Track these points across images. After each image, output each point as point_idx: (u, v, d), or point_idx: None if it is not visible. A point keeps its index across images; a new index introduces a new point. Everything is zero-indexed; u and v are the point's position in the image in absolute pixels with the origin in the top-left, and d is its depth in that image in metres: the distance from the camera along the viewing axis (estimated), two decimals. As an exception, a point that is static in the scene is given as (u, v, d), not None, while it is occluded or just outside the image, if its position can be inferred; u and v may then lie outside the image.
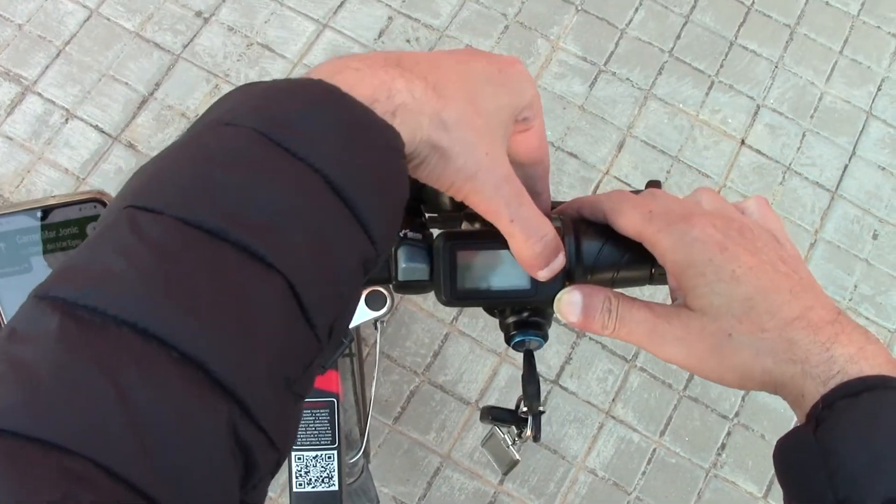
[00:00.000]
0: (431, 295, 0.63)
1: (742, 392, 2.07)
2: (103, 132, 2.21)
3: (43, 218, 0.54)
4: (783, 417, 2.05)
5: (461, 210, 0.65)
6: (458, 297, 0.61)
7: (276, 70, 2.30)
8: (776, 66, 2.44)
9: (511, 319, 0.66)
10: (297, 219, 0.39)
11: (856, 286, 2.21)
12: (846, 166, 2.34)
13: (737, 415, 2.06)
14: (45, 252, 0.55)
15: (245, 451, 0.36)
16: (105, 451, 0.32)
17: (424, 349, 2.06)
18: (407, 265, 0.60)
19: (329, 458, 1.18)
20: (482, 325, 2.05)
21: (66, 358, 0.33)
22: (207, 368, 0.35)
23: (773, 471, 1.78)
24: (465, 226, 0.67)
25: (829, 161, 2.34)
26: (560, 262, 0.56)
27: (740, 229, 0.54)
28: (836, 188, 2.31)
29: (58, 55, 2.28)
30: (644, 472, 2.01)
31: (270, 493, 1.91)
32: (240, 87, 0.45)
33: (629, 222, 0.56)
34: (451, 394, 2.04)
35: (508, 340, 0.66)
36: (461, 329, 2.08)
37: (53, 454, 0.31)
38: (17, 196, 2.13)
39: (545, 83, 2.35)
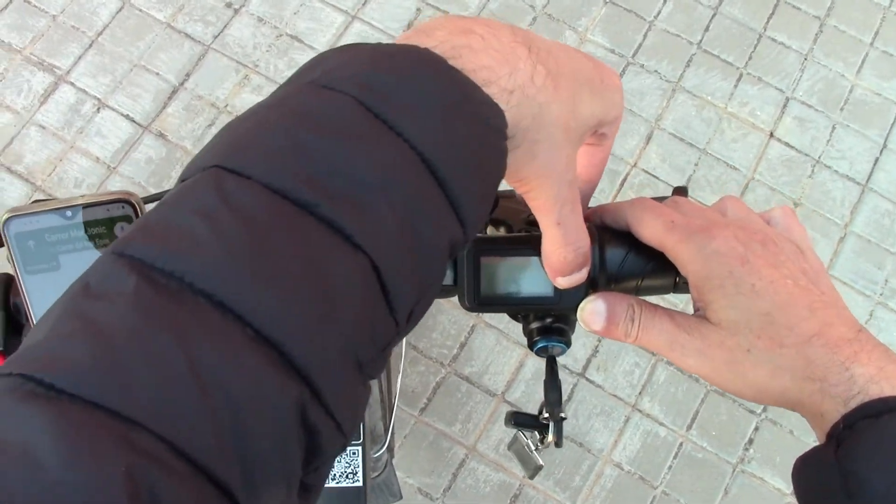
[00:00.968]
0: None
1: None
2: (134, 122, 2.23)
3: (72, 217, 0.55)
4: (810, 412, 2.03)
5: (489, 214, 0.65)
6: (481, 302, 0.61)
7: (305, 60, 2.28)
8: (805, 59, 2.42)
9: (534, 325, 0.66)
10: (387, 196, 0.38)
11: (886, 280, 2.19)
12: (877, 159, 2.32)
13: (764, 410, 2.05)
14: (73, 250, 0.56)
15: (311, 434, 0.36)
16: (173, 426, 0.31)
17: (451, 340, 2.07)
18: None
19: (354, 453, 1.18)
20: (508, 317, 2.03)
21: (139, 323, 0.33)
22: (283, 350, 0.34)
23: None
24: (490, 231, 0.67)
25: (859, 154, 2.32)
26: (582, 276, 0.56)
27: (763, 241, 0.53)
28: (867, 181, 2.29)
29: (90, 45, 2.30)
30: (670, 467, 2.00)
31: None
32: (342, 46, 0.44)
33: (651, 232, 0.56)
34: (477, 385, 2.04)
35: (531, 346, 0.67)
36: (488, 321, 2.08)
37: (119, 425, 0.30)
38: (49, 184, 2.15)
39: (573, 75, 2.34)
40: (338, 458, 1.18)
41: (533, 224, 0.64)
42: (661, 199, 0.61)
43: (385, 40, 2.25)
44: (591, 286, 0.60)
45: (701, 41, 2.41)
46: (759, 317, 0.50)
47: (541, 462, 0.82)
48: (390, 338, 0.40)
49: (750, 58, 2.40)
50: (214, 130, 2.22)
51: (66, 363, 0.32)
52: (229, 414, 0.32)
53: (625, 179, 2.24)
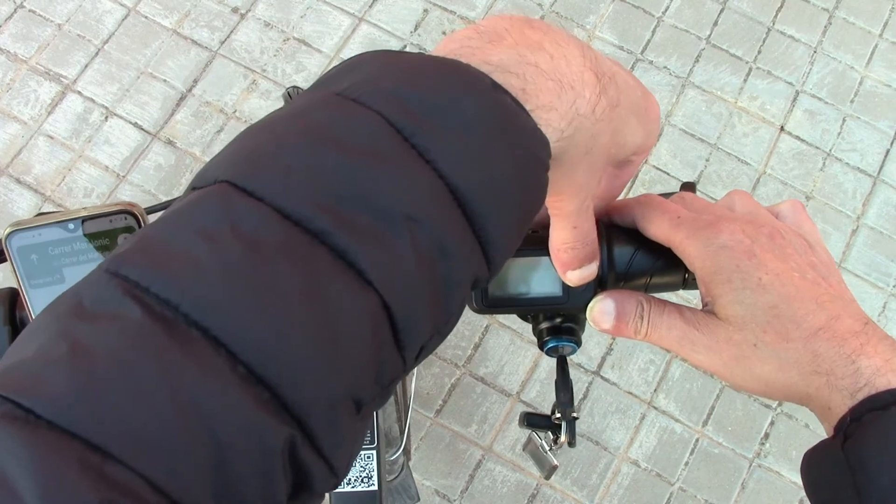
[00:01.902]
0: None
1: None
2: (142, 129, 2.23)
3: (75, 230, 0.55)
4: (827, 406, 2.03)
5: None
6: (489, 304, 0.60)
7: (312, 65, 2.30)
8: (815, 51, 2.41)
9: (544, 325, 0.66)
10: (410, 230, 0.35)
11: (899, 273, 2.19)
12: (888, 151, 2.31)
13: (780, 404, 2.05)
14: (77, 263, 0.55)
15: (300, 473, 0.34)
16: (151, 461, 0.30)
17: (465, 341, 2.06)
18: None
19: (368, 457, 1.18)
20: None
21: (127, 352, 0.31)
22: (276, 391, 0.32)
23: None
24: None
25: (870, 146, 2.31)
26: (592, 270, 0.55)
27: (770, 234, 0.53)
28: (878, 173, 2.29)
29: (97, 54, 2.30)
30: (687, 463, 2.00)
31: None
32: (378, 53, 0.41)
33: (658, 229, 0.56)
34: (492, 386, 2.04)
35: (542, 346, 0.66)
36: (501, 321, 2.08)
37: (95, 457, 0.29)
38: (58, 194, 2.15)
39: (581, 73, 2.33)
40: (353, 463, 1.17)
41: (541, 224, 0.64)
42: (668, 195, 0.60)
43: (393, 42, 2.25)
44: (599, 285, 0.59)
45: (710, 36, 2.41)
46: (765, 311, 0.50)
47: (555, 462, 0.82)
48: (395, 375, 0.38)
49: (759, 52, 2.40)
50: (223, 136, 2.22)
51: (48, 388, 0.31)
52: (211, 452, 0.31)
53: (636, 176, 2.23)
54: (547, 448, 0.81)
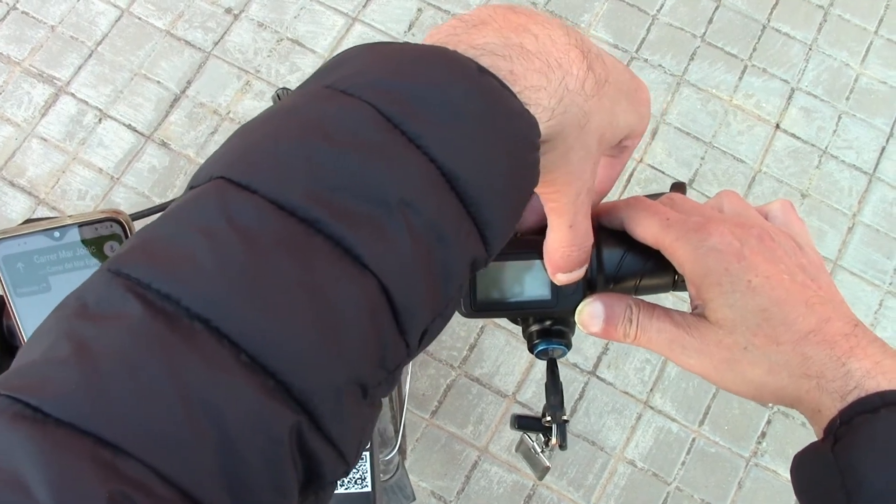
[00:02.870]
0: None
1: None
2: (136, 131, 2.22)
3: (60, 238, 0.54)
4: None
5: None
6: (478, 308, 0.60)
7: (306, 65, 2.30)
8: (810, 49, 2.41)
9: (534, 328, 0.65)
10: (405, 215, 0.36)
11: (895, 270, 2.18)
12: (883, 148, 2.31)
13: (776, 403, 2.04)
14: (63, 271, 0.55)
15: (310, 461, 0.35)
16: (160, 453, 0.31)
17: (460, 342, 2.06)
18: None
19: (361, 459, 1.18)
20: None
21: (132, 348, 0.32)
22: (279, 378, 0.33)
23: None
24: None
25: (865, 143, 2.31)
26: (580, 273, 0.55)
27: (760, 236, 0.52)
28: (874, 171, 2.28)
29: (90, 55, 2.30)
30: (683, 463, 2.00)
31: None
32: (366, 46, 0.42)
33: (646, 231, 0.56)
34: (487, 387, 2.03)
35: (531, 349, 0.66)
36: (497, 322, 2.08)
37: (105, 451, 0.30)
38: (52, 196, 2.15)
39: (576, 72, 2.33)
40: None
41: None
42: (656, 196, 0.60)
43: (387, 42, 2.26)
44: (588, 287, 0.59)
45: (705, 34, 2.40)
46: (755, 314, 0.50)
47: (547, 463, 0.82)
48: (400, 360, 0.38)
49: (754, 49, 2.39)
50: (217, 137, 2.21)
51: (55, 387, 0.31)
52: (219, 441, 0.32)
53: (631, 175, 2.23)
54: (538, 450, 0.81)
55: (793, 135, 2.31)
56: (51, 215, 2.04)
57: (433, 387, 2.03)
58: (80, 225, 0.55)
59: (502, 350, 2.05)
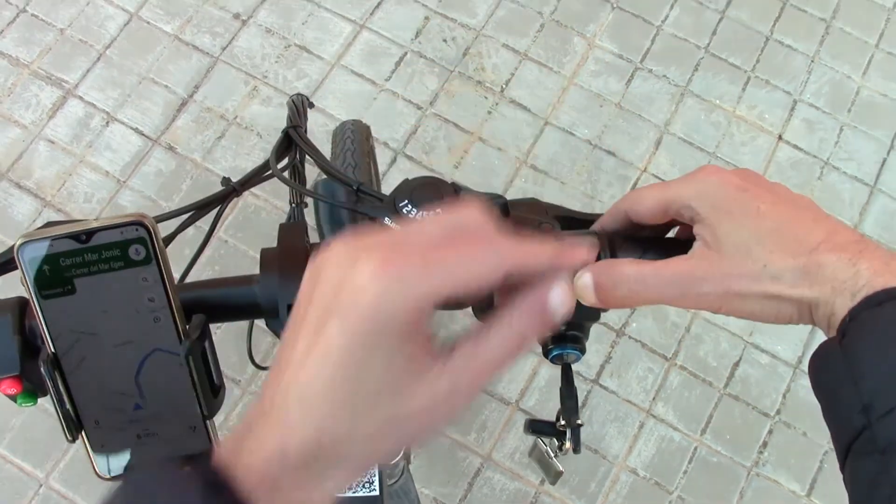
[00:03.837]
0: None
1: (784, 389, 2.07)
2: (143, 135, 2.23)
3: (86, 241, 0.55)
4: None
5: None
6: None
7: (314, 71, 2.31)
8: (812, 61, 2.42)
9: (549, 333, 0.67)
10: None
11: (896, 282, 2.19)
12: (884, 160, 2.33)
13: (778, 412, 2.06)
14: (88, 274, 0.56)
15: None
16: None
17: (465, 349, 2.06)
18: None
19: (371, 463, 1.19)
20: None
21: None
22: None
23: (816, 468, 1.77)
24: None
25: (867, 155, 2.33)
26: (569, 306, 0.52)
27: (755, 177, 0.56)
28: (875, 182, 2.30)
29: (98, 59, 2.30)
30: (685, 472, 2.01)
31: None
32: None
33: (648, 202, 0.58)
34: (491, 394, 2.04)
35: (546, 353, 0.67)
36: (501, 329, 2.08)
37: None
38: (59, 199, 2.15)
39: (582, 81, 2.35)
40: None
41: (544, 233, 0.65)
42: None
43: (394, 49, 2.25)
44: None
45: (708, 45, 2.42)
46: (768, 233, 0.52)
47: (560, 468, 0.83)
48: None
49: (757, 61, 2.41)
50: (224, 142, 2.22)
51: None
52: None
53: (635, 184, 2.24)
54: (552, 454, 0.81)
55: (795, 146, 2.32)
56: (58, 218, 2.04)
57: (437, 393, 2.03)
58: (106, 228, 0.55)
59: (506, 357, 2.06)
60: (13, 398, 0.60)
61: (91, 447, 0.60)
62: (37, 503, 1.89)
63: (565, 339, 0.66)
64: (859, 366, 0.46)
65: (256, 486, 0.40)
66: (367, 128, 1.56)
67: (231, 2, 2.39)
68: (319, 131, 2.20)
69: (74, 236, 0.55)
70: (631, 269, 0.55)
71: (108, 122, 2.23)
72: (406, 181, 0.65)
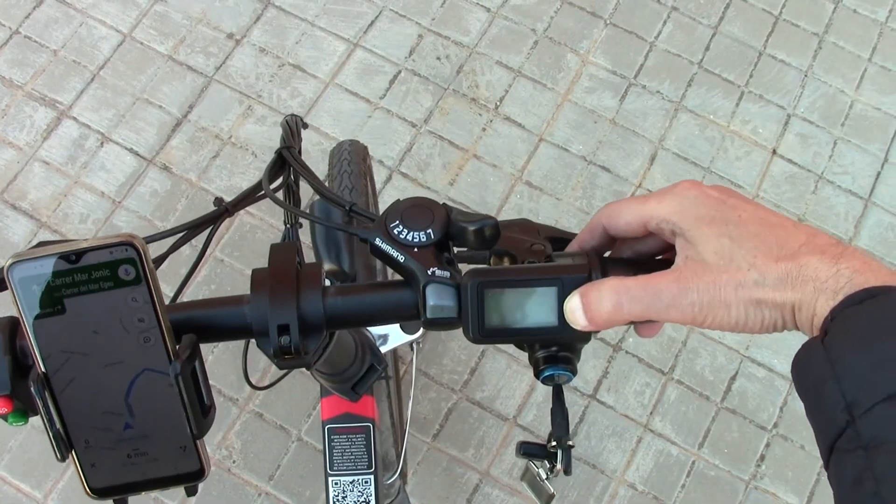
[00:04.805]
0: None
1: (781, 402, 2.07)
2: (138, 155, 2.23)
3: (75, 261, 0.55)
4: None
5: (489, 247, 0.66)
6: (485, 334, 0.61)
7: (308, 90, 2.31)
8: (805, 75, 2.43)
9: (540, 354, 0.67)
10: None
11: (892, 295, 2.20)
12: (878, 173, 2.34)
13: (775, 426, 2.06)
14: (78, 294, 0.56)
15: None
16: None
17: (461, 366, 2.07)
18: (435, 303, 0.61)
19: (366, 482, 1.19)
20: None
21: None
22: None
23: (813, 481, 1.76)
24: (493, 262, 0.68)
25: (861, 169, 2.34)
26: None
27: (732, 191, 0.58)
28: (870, 196, 2.31)
29: (92, 80, 2.31)
30: (683, 486, 2.00)
31: (312, 513, 1.92)
32: None
33: (626, 216, 0.60)
34: (488, 410, 2.04)
35: (538, 374, 0.67)
36: (498, 346, 2.08)
37: None
38: (54, 220, 2.15)
39: (576, 98, 2.36)
40: (351, 487, 1.18)
41: (535, 254, 0.65)
42: None
43: (388, 67, 2.27)
44: None
45: (702, 60, 2.43)
46: (750, 239, 0.54)
47: (552, 490, 0.83)
48: None
49: (751, 76, 2.42)
50: (219, 162, 2.22)
51: None
52: None
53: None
54: (543, 477, 0.81)
55: (789, 160, 2.33)
56: (53, 239, 2.04)
57: (434, 410, 2.03)
58: (96, 248, 0.55)
59: (503, 374, 2.06)
60: (4, 417, 0.60)
61: (81, 466, 0.60)
62: (33, 525, 1.89)
63: (557, 360, 0.66)
64: (841, 363, 0.47)
65: None
66: (365, 148, 1.56)
67: (224, 21, 2.40)
68: (314, 150, 2.21)
69: (64, 256, 0.55)
70: (616, 283, 0.57)
71: (102, 143, 2.24)
72: (397, 202, 0.65)
